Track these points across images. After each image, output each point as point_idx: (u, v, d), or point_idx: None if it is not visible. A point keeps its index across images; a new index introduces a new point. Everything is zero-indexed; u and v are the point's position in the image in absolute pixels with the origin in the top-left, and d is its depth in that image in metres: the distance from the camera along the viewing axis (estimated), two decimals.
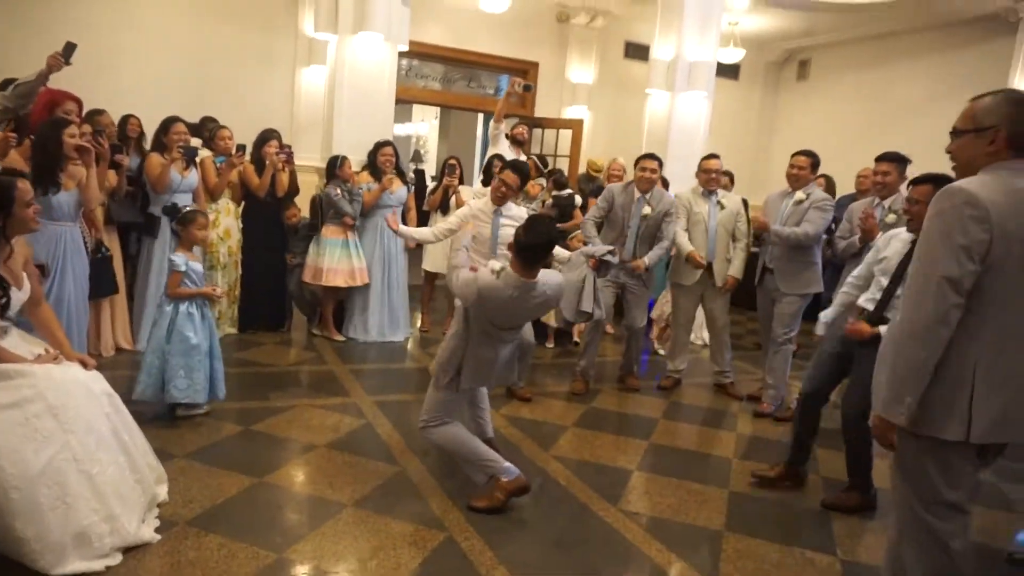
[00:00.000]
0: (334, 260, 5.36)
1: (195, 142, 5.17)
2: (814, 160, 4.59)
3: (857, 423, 3.23)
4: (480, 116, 11.40)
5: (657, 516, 3.12)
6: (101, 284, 4.32)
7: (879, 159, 4.30)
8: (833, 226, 4.71)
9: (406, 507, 2.97)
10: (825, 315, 3.64)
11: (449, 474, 3.33)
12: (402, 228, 4.54)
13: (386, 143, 5.65)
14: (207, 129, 5.42)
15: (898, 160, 4.22)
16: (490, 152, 6.19)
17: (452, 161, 6.03)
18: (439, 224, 4.54)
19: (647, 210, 4.67)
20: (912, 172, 4.05)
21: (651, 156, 4.78)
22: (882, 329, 3.01)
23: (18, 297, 2.59)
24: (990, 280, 1.86)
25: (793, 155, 4.64)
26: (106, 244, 4.43)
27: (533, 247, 2.87)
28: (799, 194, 4.55)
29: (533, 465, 3.51)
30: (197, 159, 4.92)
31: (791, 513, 3.29)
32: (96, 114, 4.83)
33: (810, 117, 9.50)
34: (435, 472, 3.33)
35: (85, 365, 2.61)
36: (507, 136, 6.32)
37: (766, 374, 4.73)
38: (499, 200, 4.13)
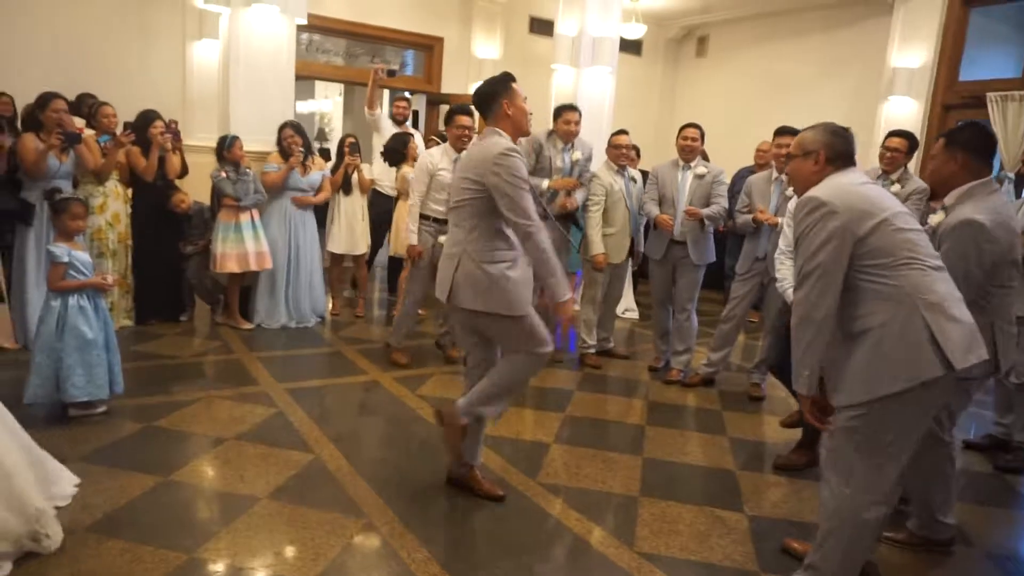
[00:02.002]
0: (226, 245, 5.14)
1: (78, 122, 4.80)
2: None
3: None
4: (387, 93, 11.14)
5: (575, 486, 3.18)
6: None
7: (780, 132, 4.39)
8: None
9: (323, 495, 2.90)
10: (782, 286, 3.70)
11: (366, 460, 3.29)
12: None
13: (285, 124, 5.44)
14: (87, 106, 5.05)
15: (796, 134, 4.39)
16: (375, 138, 6.13)
17: (352, 139, 5.87)
18: (412, 195, 4.61)
19: (577, 155, 4.92)
20: None
21: (571, 107, 4.93)
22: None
23: None
24: (874, 248, 2.16)
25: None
26: None
27: None
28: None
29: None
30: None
31: (701, 475, 3.43)
32: None
33: (709, 92, 9.80)
34: (351, 458, 3.27)
35: None
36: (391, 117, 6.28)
37: (675, 341, 4.90)
38: (462, 148, 4.39)
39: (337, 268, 6.15)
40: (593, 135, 6.75)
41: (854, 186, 2.27)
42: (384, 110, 6.44)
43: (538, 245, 2.67)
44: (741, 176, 5.67)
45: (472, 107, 4.49)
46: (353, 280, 6.40)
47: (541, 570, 2.57)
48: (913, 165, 6.68)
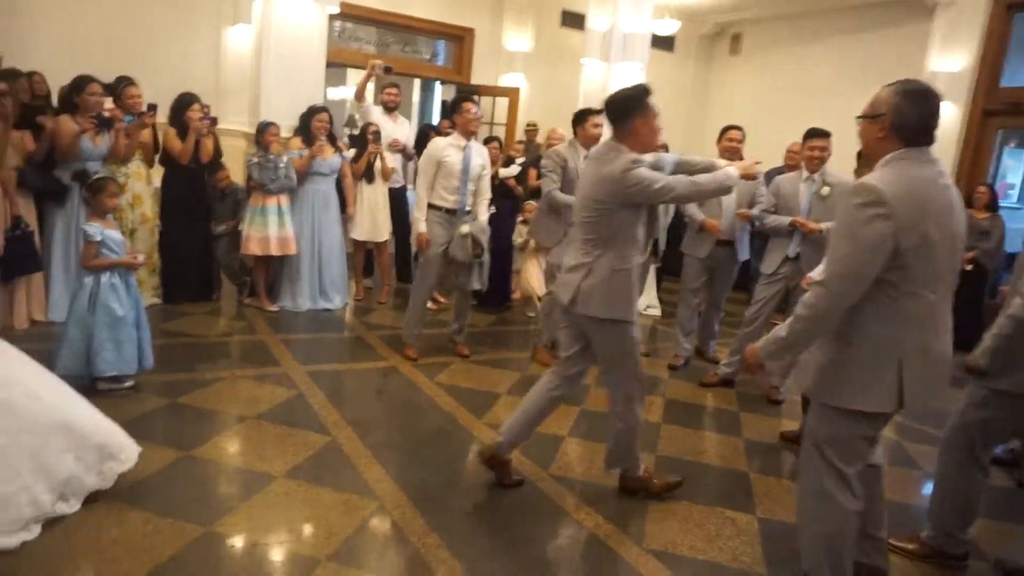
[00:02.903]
0: (252, 228, 5.25)
1: (108, 103, 4.90)
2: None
3: None
4: (416, 82, 11.21)
5: (586, 480, 3.20)
6: (24, 262, 4.15)
7: (812, 135, 4.29)
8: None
9: (338, 477, 2.96)
10: None
11: (381, 444, 3.34)
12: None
13: (321, 108, 5.50)
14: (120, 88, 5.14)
15: (829, 136, 4.32)
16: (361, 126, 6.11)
17: (375, 128, 5.90)
18: (418, 183, 4.59)
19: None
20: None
21: (597, 111, 4.79)
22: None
23: None
24: (905, 266, 1.97)
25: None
26: (24, 218, 4.20)
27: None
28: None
29: (467, 433, 3.56)
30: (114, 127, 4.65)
31: (715, 475, 3.43)
32: (13, 76, 4.49)
33: (742, 91, 9.70)
34: (367, 441, 3.32)
35: None
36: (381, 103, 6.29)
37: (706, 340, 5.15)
38: (470, 134, 4.48)
39: (360, 254, 6.22)
40: None
41: (922, 183, 1.98)
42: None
43: (689, 190, 2.80)
44: (769, 177, 5.61)
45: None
46: (371, 268, 6.48)
47: (549, 562, 2.60)
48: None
